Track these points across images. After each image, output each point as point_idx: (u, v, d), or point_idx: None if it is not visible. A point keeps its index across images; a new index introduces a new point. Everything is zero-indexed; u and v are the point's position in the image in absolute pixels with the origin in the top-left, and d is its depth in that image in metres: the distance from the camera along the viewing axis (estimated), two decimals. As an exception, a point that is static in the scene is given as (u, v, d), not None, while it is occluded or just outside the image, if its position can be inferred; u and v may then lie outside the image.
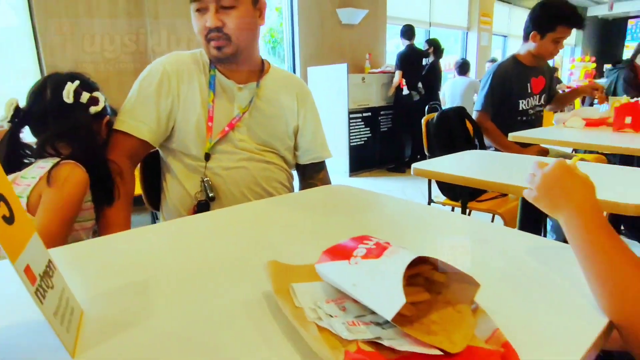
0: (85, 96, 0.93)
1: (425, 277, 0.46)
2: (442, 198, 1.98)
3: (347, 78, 4.33)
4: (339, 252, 0.48)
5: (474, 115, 2.20)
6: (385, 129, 4.92)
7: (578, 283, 0.52)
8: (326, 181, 1.31)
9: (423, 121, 1.96)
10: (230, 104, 1.12)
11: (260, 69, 1.19)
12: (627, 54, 10.18)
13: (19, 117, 0.91)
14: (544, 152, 2.06)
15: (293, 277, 0.49)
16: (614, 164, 1.95)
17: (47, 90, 0.92)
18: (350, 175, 4.54)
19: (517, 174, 1.16)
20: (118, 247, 0.70)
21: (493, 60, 6.39)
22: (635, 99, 2.27)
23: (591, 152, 2.15)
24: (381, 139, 4.86)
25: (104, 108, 0.99)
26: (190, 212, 1.08)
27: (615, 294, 0.46)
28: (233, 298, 0.50)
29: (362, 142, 4.70)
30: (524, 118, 2.22)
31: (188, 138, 1.08)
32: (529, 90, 2.21)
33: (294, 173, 1.31)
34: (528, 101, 2.22)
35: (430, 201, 2.00)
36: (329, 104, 4.58)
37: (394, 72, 4.75)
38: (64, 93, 0.89)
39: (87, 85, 0.96)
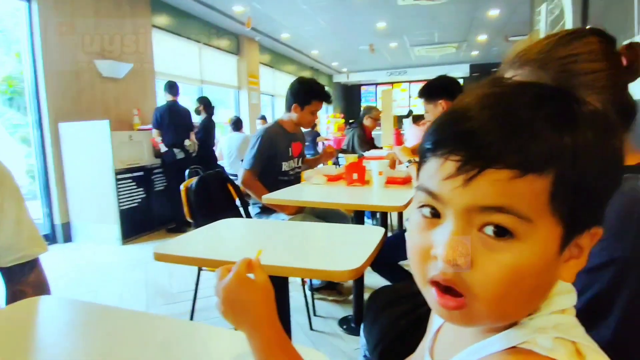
0: None
1: None
2: (213, 263, 1.93)
3: (110, 135, 3.91)
4: None
5: (240, 173, 2.30)
6: (162, 187, 4.63)
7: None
8: (41, 284, 1.02)
9: (182, 187, 1.90)
10: None
11: None
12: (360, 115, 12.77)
13: None
14: (302, 209, 2.30)
15: None
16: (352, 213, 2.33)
17: None
18: (124, 243, 4.03)
19: (260, 246, 1.20)
20: None
21: (263, 117, 7.00)
22: (366, 152, 2.78)
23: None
24: (157, 198, 4.54)
25: None
26: None
27: None
28: None
29: (136, 204, 4.28)
30: (285, 178, 2.45)
31: None
32: (290, 154, 2.49)
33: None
34: (289, 163, 2.48)
35: (200, 270, 1.91)
36: (90, 164, 4.02)
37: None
38: None
39: None
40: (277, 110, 10.41)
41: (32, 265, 1.01)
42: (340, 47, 9.92)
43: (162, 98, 4.83)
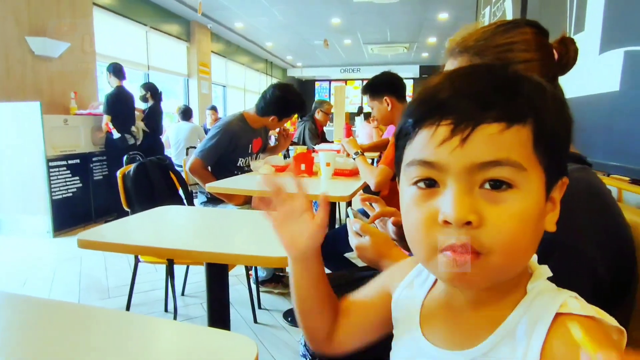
0: None
1: None
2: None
3: (42, 119, 3.61)
4: None
5: (190, 159, 2.20)
6: (101, 176, 4.35)
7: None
8: None
9: (119, 174, 1.78)
10: None
11: None
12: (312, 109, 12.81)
13: None
14: (249, 199, 2.24)
15: None
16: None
17: None
18: (55, 235, 3.74)
19: (203, 235, 1.15)
20: None
21: (213, 108, 6.79)
22: (316, 145, 2.77)
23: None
24: (97, 188, 4.26)
25: None
26: None
27: None
28: None
29: (71, 194, 3.99)
30: (239, 173, 2.38)
31: None
32: (250, 150, 2.42)
33: None
34: (247, 159, 2.42)
35: (137, 262, 1.81)
36: (18, 150, 3.69)
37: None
38: None
39: None
40: (229, 101, 10.16)
41: None
42: (295, 41, 9.86)
43: (104, 82, 4.53)
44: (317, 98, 14.92)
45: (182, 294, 2.38)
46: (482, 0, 3.00)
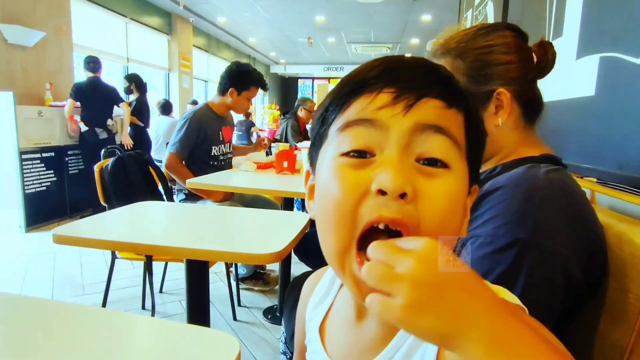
0: None
1: None
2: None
3: (15, 110, 3.49)
4: None
5: (165, 156, 2.16)
6: (76, 170, 4.24)
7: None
8: None
9: (96, 168, 1.73)
10: None
11: None
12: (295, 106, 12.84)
13: None
14: (229, 196, 2.22)
15: None
16: (282, 201, 2.31)
17: None
18: (28, 230, 3.62)
19: (181, 231, 1.13)
20: None
21: (194, 102, 6.70)
22: (299, 143, 2.76)
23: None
24: (71, 182, 4.15)
25: None
26: None
27: None
28: None
29: (44, 188, 3.87)
30: (215, 163, 2.35)
31: None
32: (221, 138, 2.38)
33: None
34: (220, 148, 2.38)
35: (114, 258, 1.77)
36: (-10, 141, 3.56)
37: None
38: None
39: None
40: (210, 96, 10.03)
41: None
42: (279, 37, 9.80)
43: (81, 73, 4.40)
44: (299, 96, 14.92)
45: (160, 291, 2.35)
46: (465, 3, 3.04)
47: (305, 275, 1.12)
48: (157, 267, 2.32)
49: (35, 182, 3.75)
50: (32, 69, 4.37)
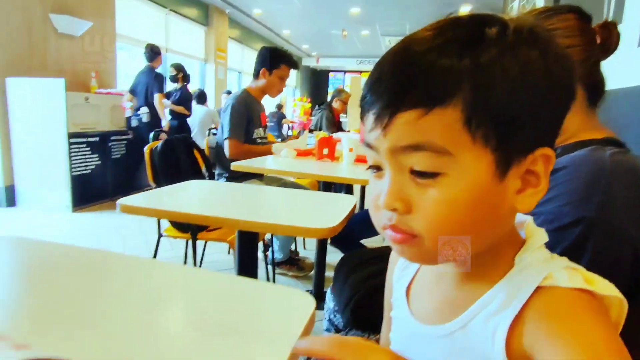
0: None
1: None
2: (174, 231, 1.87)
3: (65, 96, 3.67)
4: None
5: (226, 144, 2.22)
6: (118, 155, 4.42)
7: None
8: None
9: (146, 149, 1.81)
10: None
11: None
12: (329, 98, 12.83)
13: None
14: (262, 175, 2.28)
15: None
16: (321, 186, 2.34)
17: None
18: (75, 210, 3.82)
19: (234, 205, 1.17)
20: None
21: (229, 92, 6.82)
22: (333, 134, 2.78)
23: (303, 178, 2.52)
24: (113, 166, 4.33)
25: None
26: None
27: None
28: None
29: (89, 171, 4.06)
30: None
31: None
32: (260, 122, 2.44)
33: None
34: (259, 131, 2.43)
35: (160, 236, 1.85)
36: (40, 125, 3.75)
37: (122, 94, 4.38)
38: None
39: None
40: (243, 87, 10.18)
41: None
42: (312, 30, 9.81)
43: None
44: (330, 89, 14.90)
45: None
46: (510, -7, 2.96)
47: (354, 252, 1.15)
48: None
49: (81, 165, 3.94)
50: (79, 57, 4.58)
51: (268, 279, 2.14)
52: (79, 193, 3.89)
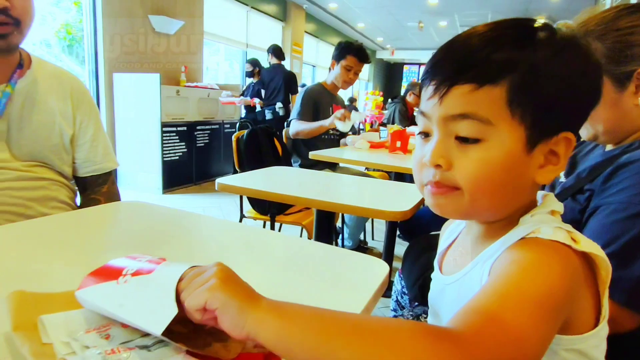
0: None
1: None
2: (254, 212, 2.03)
3: (160, 89, 4.07)
4: (105, 273, 0.43)
5: (292, 122, 2.37)
6: (202, 144, 4.81)
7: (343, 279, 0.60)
8: (112, 195, 1.14)
9: (234, 138, 1.99)
10: None
11: (18, 63, 0.95)
12: (403, 91, 12.55)
13: None
14: (334, 166, 2.38)
15: (45, 308, 0.41)
16: (392, 178, 2.38)
17: None
18: (164, 192, 4.25)
19: (314, 188, 1.28)
20: None
21: (303, 86, 7.02)
22: (407, 127, 2.80)
23: (375, 170, 2.57)
24: (198, 154, 4.73)
25: None
26: None
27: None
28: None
29: (177, 158, 4.48)
30: (325, 137, 2.52)
31: None
32: (331, 113, 2.53)
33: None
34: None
35: (242, 217, 2.03)
36: (139, 114, 4.21)
37: (212, 88, 4.75)
38: None
39: None
40: (317, 81, 10.38)
41: (106, 177, 1.13)
42: (388, 22, 9.70)
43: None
44: (404, 82, 14.62)
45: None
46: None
47: (424, 236, 1.21)
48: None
49: (170, 151, 4.36)
50: (172, 54, 5.03)
51: (337, 265, 2.24)
52: (168, 177, 4.31)
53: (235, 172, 2.03)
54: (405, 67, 14.94)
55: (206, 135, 4.85)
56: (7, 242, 0.69)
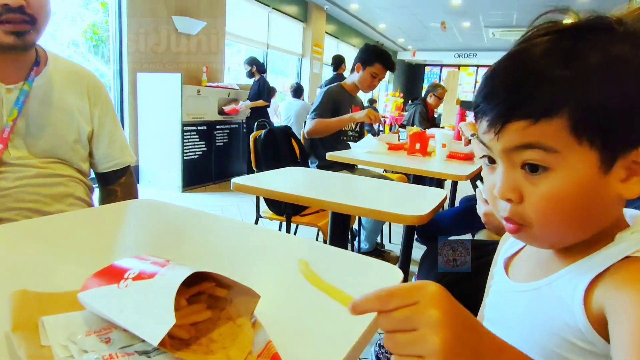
0: None
1: (209, 294, 0.44)
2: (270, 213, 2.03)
3: (182, 89, 4.13)
4: (109, 275, 0.42)
5: (308, 120, 2.36)
6: (222, 143, 4.85)
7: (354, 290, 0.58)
8: (129, 186, 1.16)
9: (251, 138, 1.99)
10: None
11: (34, 61, 0.95)
12: (424, 92, 12.39)
13: None
14: (352, 167, 2.35)
15: (48, 308, 0.41)
16: (410, 181, 2.34)
17: None
18: (184, 191, 4.30)
19: (329, 190, 1.26)
20: None
21: (324, 86, 7.01)
22: (427, 129, 2.74)
23: (394, 172, 2.53)
24: (217, 153, 4.77)
25: None
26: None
27: None
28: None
29: (197, 157, 4.53)
30: (344, 138, 2.50)
31: None
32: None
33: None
34: (350, 125, 2.51)
35: (258, 217, 2.03)
36: (161, 113, 4.27)
37: (232, 88, 4.78)
38: None
39: None
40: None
41: (123, 171, 1.15)
42: (409, 23, 9.60)
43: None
44: (425, 83, 14.45)
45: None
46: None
47: (442, 242, 1.17)
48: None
49: (190, 150, 4.41)
50: (193, 54, 5.10)
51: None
52: (188, 175, 4.37)
53: (250, 171, 2.03)
54: (427, 69, 14.76)
55: (225, 134, 4.89)
56: (22, 238, 0.69)
